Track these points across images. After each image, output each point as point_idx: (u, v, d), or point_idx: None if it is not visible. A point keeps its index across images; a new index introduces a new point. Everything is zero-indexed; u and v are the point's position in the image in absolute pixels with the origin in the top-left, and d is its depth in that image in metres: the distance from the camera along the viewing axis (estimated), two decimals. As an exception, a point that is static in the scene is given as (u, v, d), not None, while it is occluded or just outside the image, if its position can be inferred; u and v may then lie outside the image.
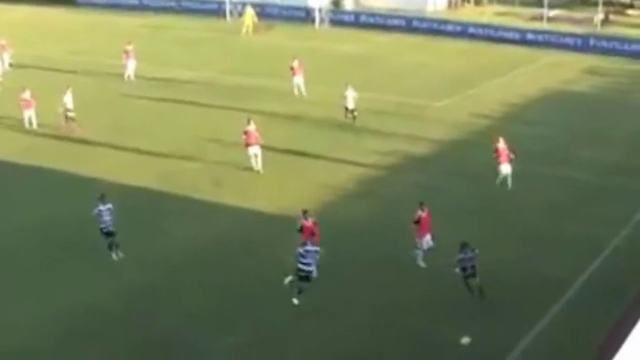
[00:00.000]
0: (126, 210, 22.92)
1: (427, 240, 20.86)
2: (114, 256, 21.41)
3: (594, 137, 31.45)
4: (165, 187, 26.47)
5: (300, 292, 19.07)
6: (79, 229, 22.82)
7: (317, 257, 19.16)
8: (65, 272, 21.04)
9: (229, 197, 25.67)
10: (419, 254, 20.95)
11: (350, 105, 32.12)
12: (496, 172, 25.82)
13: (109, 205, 21.37)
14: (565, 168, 28.07)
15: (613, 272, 20.56)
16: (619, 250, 22.03)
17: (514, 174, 25.82)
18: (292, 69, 36.11)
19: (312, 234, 20.31)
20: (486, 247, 20.06)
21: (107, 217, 21.27)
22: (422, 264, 20.98)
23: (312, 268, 19.11)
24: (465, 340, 17.43)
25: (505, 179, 25.84)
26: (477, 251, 19.07)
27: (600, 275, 20.56)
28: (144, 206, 25.15)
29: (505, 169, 25.70)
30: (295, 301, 19.07)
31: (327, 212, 23.91)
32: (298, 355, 17.53)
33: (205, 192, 26.03)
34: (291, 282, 19.30)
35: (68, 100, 31.82)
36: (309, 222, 20.67)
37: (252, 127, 27.65)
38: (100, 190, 22.33)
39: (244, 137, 27.59)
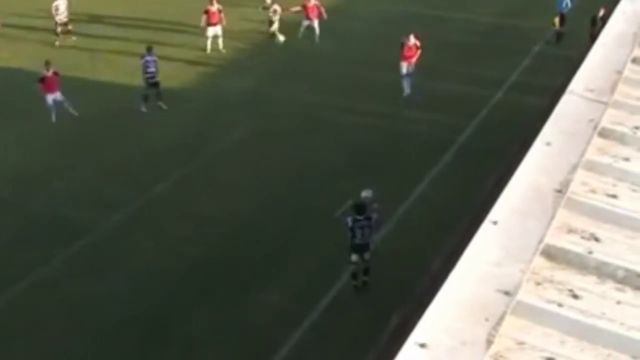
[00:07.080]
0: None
1: (404, 66, 22.58)
2: (162, 106, 21.65)
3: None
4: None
5: None
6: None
7: None
8: None
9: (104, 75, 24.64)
10: (404, 83, 22.55)
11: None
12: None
13: (155, 57, 21.85)
14: (440, 30, 28.13)
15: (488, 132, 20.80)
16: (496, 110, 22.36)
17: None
18: None
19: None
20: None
21: (152, 68, 21.66)
22: (407, 89, 22.60)
23: None
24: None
25: None
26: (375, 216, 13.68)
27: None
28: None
29: None
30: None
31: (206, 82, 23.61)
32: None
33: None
34: None
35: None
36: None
37: (214, 8, 25.94)
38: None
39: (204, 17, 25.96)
